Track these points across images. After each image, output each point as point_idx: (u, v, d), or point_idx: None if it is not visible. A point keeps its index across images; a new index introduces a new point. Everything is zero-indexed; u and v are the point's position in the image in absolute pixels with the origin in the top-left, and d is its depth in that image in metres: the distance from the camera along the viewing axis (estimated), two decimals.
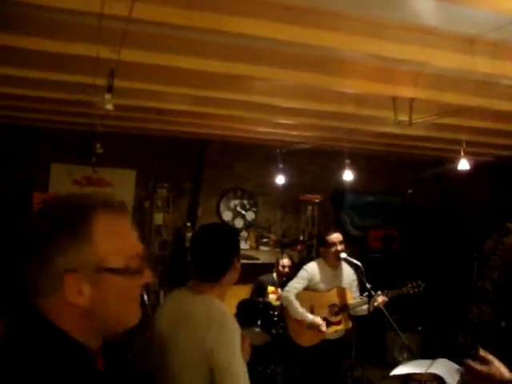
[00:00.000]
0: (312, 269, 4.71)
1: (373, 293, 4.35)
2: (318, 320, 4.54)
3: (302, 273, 4.73)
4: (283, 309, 4.87)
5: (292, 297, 4.59)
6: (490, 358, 2.00)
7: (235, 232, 2.71)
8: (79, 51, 3.09)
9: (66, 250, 1.06)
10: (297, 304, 4.57)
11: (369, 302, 4.35)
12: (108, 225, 1.12)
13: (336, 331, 4.65)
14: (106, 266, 1.10)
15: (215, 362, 2.10)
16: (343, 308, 4.65)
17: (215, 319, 2.17)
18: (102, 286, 1.10)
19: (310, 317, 4.54)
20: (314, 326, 4.53)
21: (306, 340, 4.64)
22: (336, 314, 4.65)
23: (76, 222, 1.09)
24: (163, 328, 2.31)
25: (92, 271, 1.09)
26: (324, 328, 4.52)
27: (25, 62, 3.65)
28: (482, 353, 2.04)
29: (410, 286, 4.72)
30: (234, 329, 2.19)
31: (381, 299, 4.48)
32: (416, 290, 4.71)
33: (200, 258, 2.35)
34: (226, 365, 2.10)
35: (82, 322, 1.11)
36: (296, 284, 4.66)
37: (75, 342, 1.10)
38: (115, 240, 1.12)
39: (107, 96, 2.71)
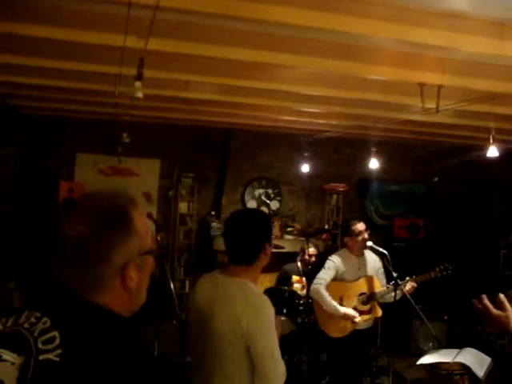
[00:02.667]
0: (337, 259, 4.70)
1: (399, 281, 4.33)
2: (351, 312, 4.52)
3: (328, 263, 4.71)
4: (312, 300, 4.86)
5: (323, 289, 4.56)
6: (508, 306, 1.98)
7: (267, 217, 2.78)
8: (107, 41, 3.12)
9: (118, 246, 1.22)
10: (328, 297, 4.54)
11: (395, 290, 4.35)
12: (138, 215, 1.29)
13: (365, 320, 4.63)
14: (145, 250, 1.29)
15: (255, 347, 2.19)
16: (371, 296, 4.63)
17: (251, 300, 2.24)
18: (143, 268, 1.29)
19: (343, 309, 4.51)
20: (347, 318, 4.52)
21: (337, 331, 4.61)
22: (365, 303, 4.64)
23: (121, 220, 1.25)
24: (200, 308, 2.38)
25: (137, 257, 1.26)
26: (358, 319, 4.51)
27: (53, 52, 3.69)
28: (503, 298, 2.02)
29: (437, 269, 4.64)
30: (270, 312, 2.26)
31: (409, 285, 4.46)
32: (444, 273, 4.64)
33: (233, 242, 2.42)
34: (268, 352, 2.22)
35: (128, 306, 1.28)
36: (325, 275, 4.64)
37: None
38: (144, 226, 1.31)
39: (137, 84, 2.72)
